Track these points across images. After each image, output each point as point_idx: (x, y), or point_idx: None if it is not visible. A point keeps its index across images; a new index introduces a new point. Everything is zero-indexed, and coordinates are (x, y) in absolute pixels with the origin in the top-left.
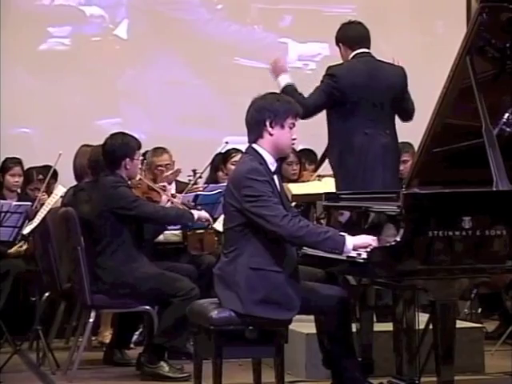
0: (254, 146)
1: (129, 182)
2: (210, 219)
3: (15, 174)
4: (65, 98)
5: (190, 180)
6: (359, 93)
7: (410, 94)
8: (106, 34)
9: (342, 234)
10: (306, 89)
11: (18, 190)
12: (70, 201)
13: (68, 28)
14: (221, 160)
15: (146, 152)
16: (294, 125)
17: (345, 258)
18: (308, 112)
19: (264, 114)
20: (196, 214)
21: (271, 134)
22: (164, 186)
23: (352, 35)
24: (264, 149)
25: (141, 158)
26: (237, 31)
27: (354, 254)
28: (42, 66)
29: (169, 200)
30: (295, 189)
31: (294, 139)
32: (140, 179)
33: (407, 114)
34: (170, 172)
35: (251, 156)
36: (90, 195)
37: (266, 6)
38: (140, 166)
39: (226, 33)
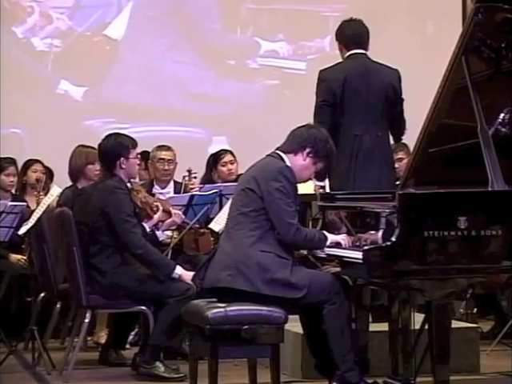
0: (284, 156)
1: (128, 185)
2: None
3: (10, 174)
4: (60, 97)
5: (185, 180)
6: (347, 94)
7: (407, 94)
8: (97, 33)
9: (324, 232)
10: (296, 88)
11: (13, 191)
12: (68, 204)
13: (61, 28)
14: (212, 161)
15: (143, 152)
16: None
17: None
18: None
19: (311, 142)
20: (180, 271)
21: (304, 160)
22: (157, 207)
23: (348, 34)
24: (292, 164)
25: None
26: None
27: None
28: (37, 67)
29: (159, 221)
30: None
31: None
32: (139, 190)
33: (399, 134)
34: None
35: (280, 161)
36: (89, 200)
37: (257, 6)
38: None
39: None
